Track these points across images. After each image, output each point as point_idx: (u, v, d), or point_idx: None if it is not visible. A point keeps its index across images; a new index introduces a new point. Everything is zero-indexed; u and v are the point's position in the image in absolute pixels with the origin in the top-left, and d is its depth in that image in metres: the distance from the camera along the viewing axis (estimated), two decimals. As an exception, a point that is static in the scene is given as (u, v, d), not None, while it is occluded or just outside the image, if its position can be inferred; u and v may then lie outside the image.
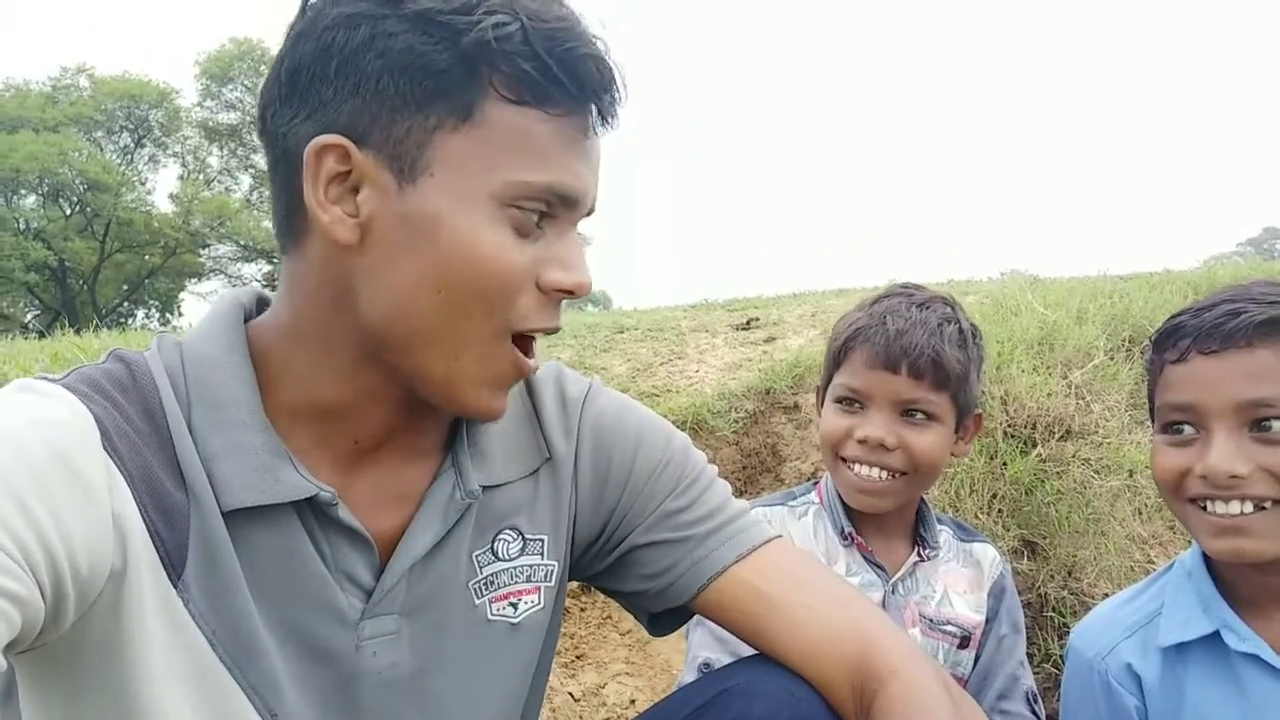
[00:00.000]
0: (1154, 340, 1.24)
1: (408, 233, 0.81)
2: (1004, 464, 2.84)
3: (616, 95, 0.84)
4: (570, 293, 0.87)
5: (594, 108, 0.84)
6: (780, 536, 1.08)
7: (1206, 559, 1.23)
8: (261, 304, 0.97)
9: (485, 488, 0.97)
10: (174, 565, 0.80)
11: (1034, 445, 2.90)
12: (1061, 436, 2.93)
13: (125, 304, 30.65)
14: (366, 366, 0.87)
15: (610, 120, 0.86)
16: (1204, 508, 1.14)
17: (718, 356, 4.23)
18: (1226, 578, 1.21)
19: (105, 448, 0.76)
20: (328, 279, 0.84)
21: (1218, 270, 4.92)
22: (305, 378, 0.88)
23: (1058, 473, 2.82)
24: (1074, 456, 2.86)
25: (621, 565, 1.08)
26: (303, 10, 0.83)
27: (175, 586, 0.80)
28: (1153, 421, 1.25)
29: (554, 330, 0.89)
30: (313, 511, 0.87)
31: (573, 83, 0.80)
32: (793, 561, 1.06)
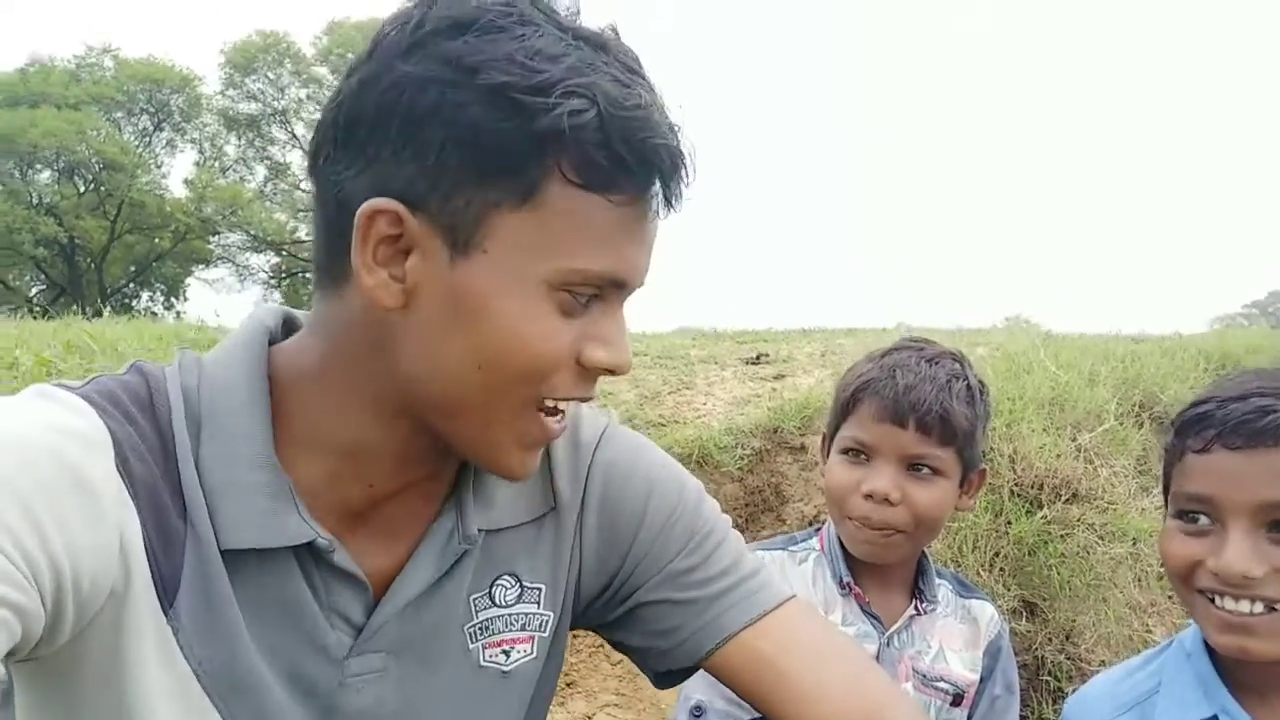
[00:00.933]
0: (1176, 425, 1.22)
1: (454, 306, 0.79)
2: (1009, 523, 2.84)
3: (684, 181, 0.82)
4: (610, 371, 0.85)
5: (661, 194, 0.82)
6: (794, 597, 1.07)
7: (1206, 642, 1.23)
8: (288, 325, 0.95)
9: (487, 531, 0.95)
10: (167, 593, 0.79)
11: (1040, 506, 2.90)
12: (1068, 499, 2.93)
13: (131, 285, 30.67)
14: (397, 416, 0.86)
15: (675, 205, 0.83)
16: (1212, 600, 1.13)
17: (726, 390, 4.23)
18: (1227, 663, 1.19)
19: (119, 466, 0.75)
20: (365, 331, 0.83)
21: (1227, 337, 4.93)
22: (326, 417, 0.87)
23: (1062, 535, 2.82)
24: (1079, 520, 2.86)
25: (628, 620, 1.06)
26: (369, 56, 0.80)
27: (166, 615, 0.79)
28: (1165, 501, 1.24)
29: (588, 399, 0.88)
30: (310, 552, 0.86)
31: (642, 172, 0.78)
32: (805, 627, 1.05)
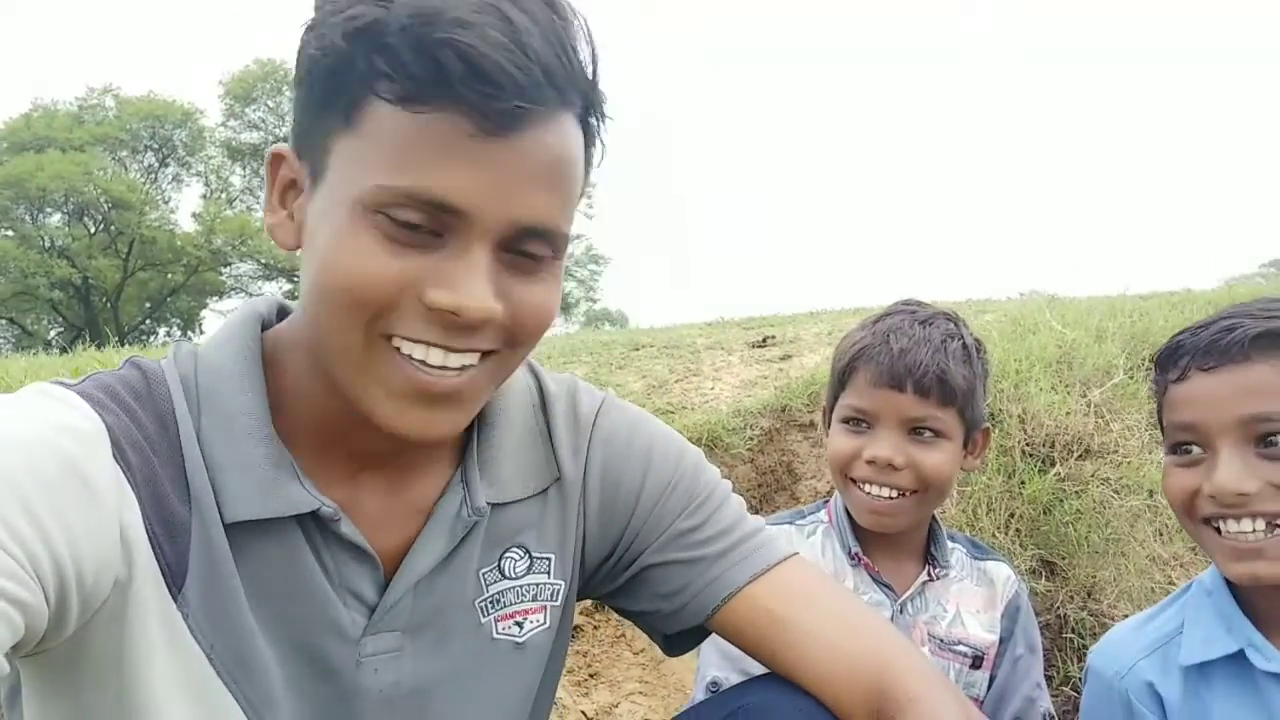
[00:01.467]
0: (1156, 361, 1.24)
1: (307, 237, 0.81)
2: (1022, 483, 2.81)
3: (500, 93, 0.71)
4: (452, 314, 0.76)
5: (474, 108, 0.72)
6: (796, 554, 1.07)
7: (1227, 578, 1.21)
8: (282, 314, 0.97)
9: (493, 505, 0.96)
10: (174, 579, 0.80)
11: (1052, 464, 2.88)
12: (1080, 455, 2.90)
13: (147, 321, 30.96)
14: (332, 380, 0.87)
15: (504, 122, 0.73)
16: (1218, 529, 1.13)
17: (733, 374, 4.22)
18: (1248, 597, 1.19)
19: (116, 457, 0.76)
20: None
21: (1238, 290, 4.88)
22: (309, 390, 0.88)
23: (1076, 492, 2.80)
24: (1093, 476, 2.83)
25: (634, 585, 1.06)
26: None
27: (175, 600, 0.80)
28: (1164, 442, 1.24)
29: (433, 344, 0.79)
30: (316, 526, 0.87)
31: (433, 79, 0.71)
32: (809, 581, 1.05)
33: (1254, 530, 1.09)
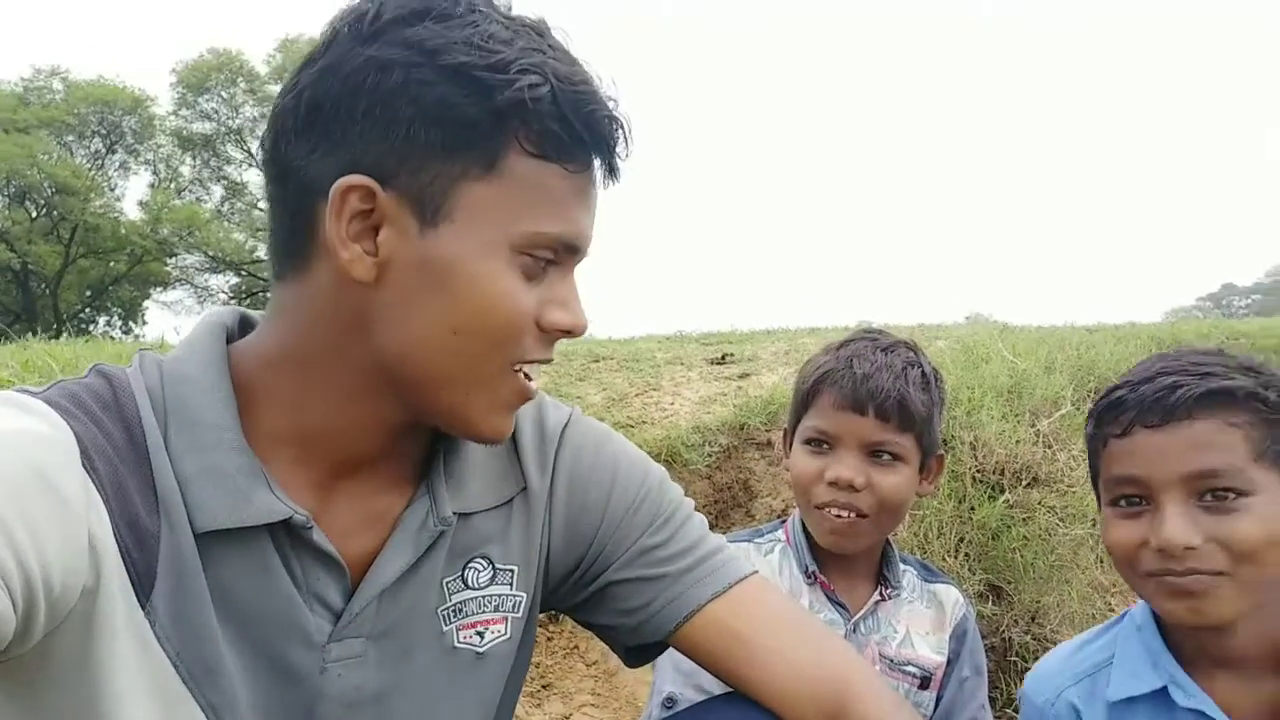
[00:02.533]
0: (1094, 414, 1.26)
1: (426, 276, 0.83)
2: (972, 509, 2.89)
3: (626, 152, 0.90)
4: (568, 332, 0.90)
5: (606, 164, 0.90)
6: (756, 572, 1.09)
7: (1156, 615, 1.26)
8: (244, 324, 0.97)
9: (459, 515, 0.97)
10: (143, 586, 0.80)
11: (1002, 491, 2.96)
12: (1029, 483, 2.99)
13: (87, 310, 30.14)
14: (371, 395, 0.89)
15: (616, 175, 0.91)
16: (1159, 579, 1.16)
17: (693, 390, 4.26)
18: (1173, 636, 1.23)
19: (84, 465, 0.76)
20: (335, 310, 0.86)
21: (1180, 327, 5.05)
22: (291, 402, 0.89)
23: (1024, 519, 2.88)
24: (1040, 503, 2.92)
25: (597, 600, 1.08)
26: (327, 45, 0.84)
27: (143, 609, 0.80)
28: (1097, 492, 1.28)
29: (548, 360, 0.93)
30: (287, 534, 0.88)
31: (592, 141, 0.86)
32: (769, 600, 1.07)
33: (1197, 582, 1.12)
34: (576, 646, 3.16)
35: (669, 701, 1.52)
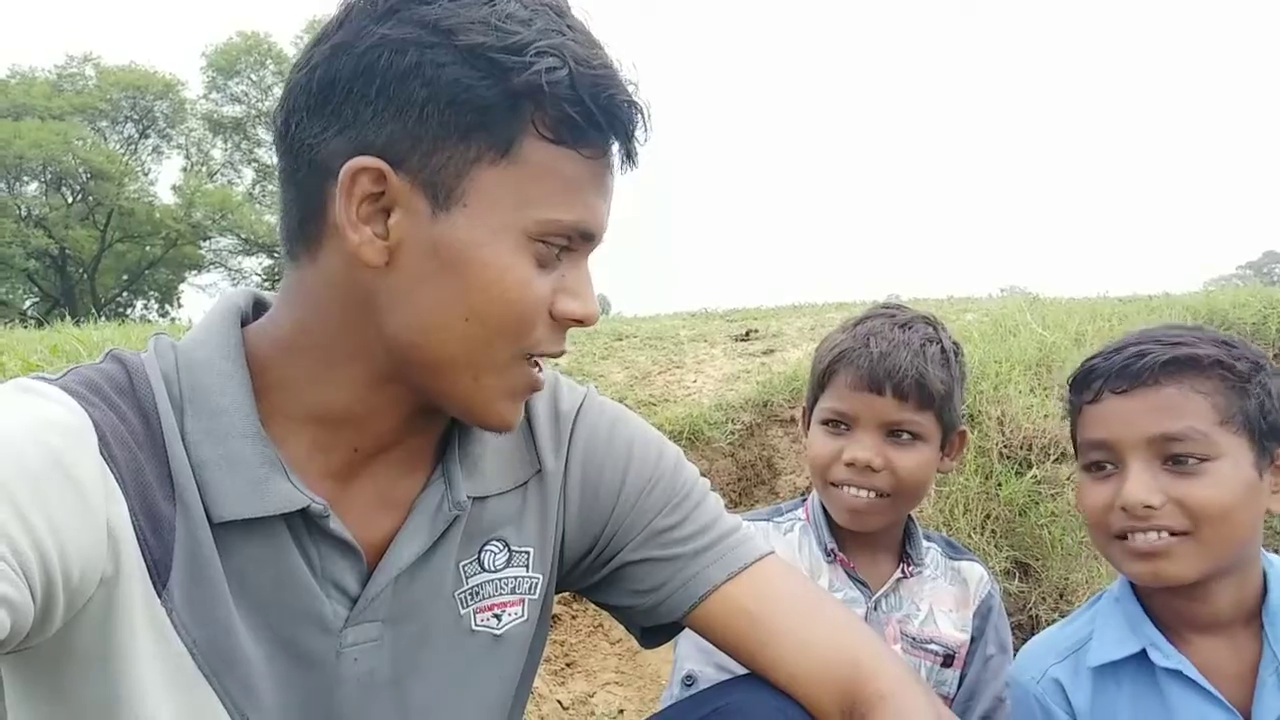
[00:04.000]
0: (1070, 383, 1.31)
1: (438, 260, 0.82)
2: (999, 485, 2.85)
3: (644, 138, 0.87)
4: (580, 321, 0.88)
5: (624, 150, 0.87)
6: (772, 553, 1.08)
7: (1133, 586, 1.28)
8: (258, 306, 0.96)
9: (474, 499, 0.97)
10: (159, 574, 0.80)
11: (1029, 467, 2.91)
12: (1057, 458, 2.94)
13: (124, 294, 30.63)
14: (382, 379, 0.88)
15: (635, 160, 0.88)
16: (1125, 539, 1.20)
17: (716, 367, 4.23)
18: (1150, 605, 1.26)
19: (102, 453, 0.76)
20: (346, 293, 0.84)
21: (1216, 295, 4.94)
22: (308, 386, 0.88)
23: (1052, 494, 2.84)
24: (1068, 479, 2.87)
25: (612, 580, 1.08)
26: (340, 23, 0.82)
27: (160, 596, 0.80)
28: (1077, 460, 1.31)
29: (560, 354, 0.92)
30: (303, 521, 0.87)
31: (610, 127, 0.83)
32: (785, 580, 1.07)
33: (1157, 539, 1.16)
34: (600, 625, 3.17)
35: (689, 679, 1.52)
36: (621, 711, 2.81)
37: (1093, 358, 1.27)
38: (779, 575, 1.07)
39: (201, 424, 0.84)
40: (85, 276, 28.54)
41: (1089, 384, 1.25)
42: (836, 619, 1.05)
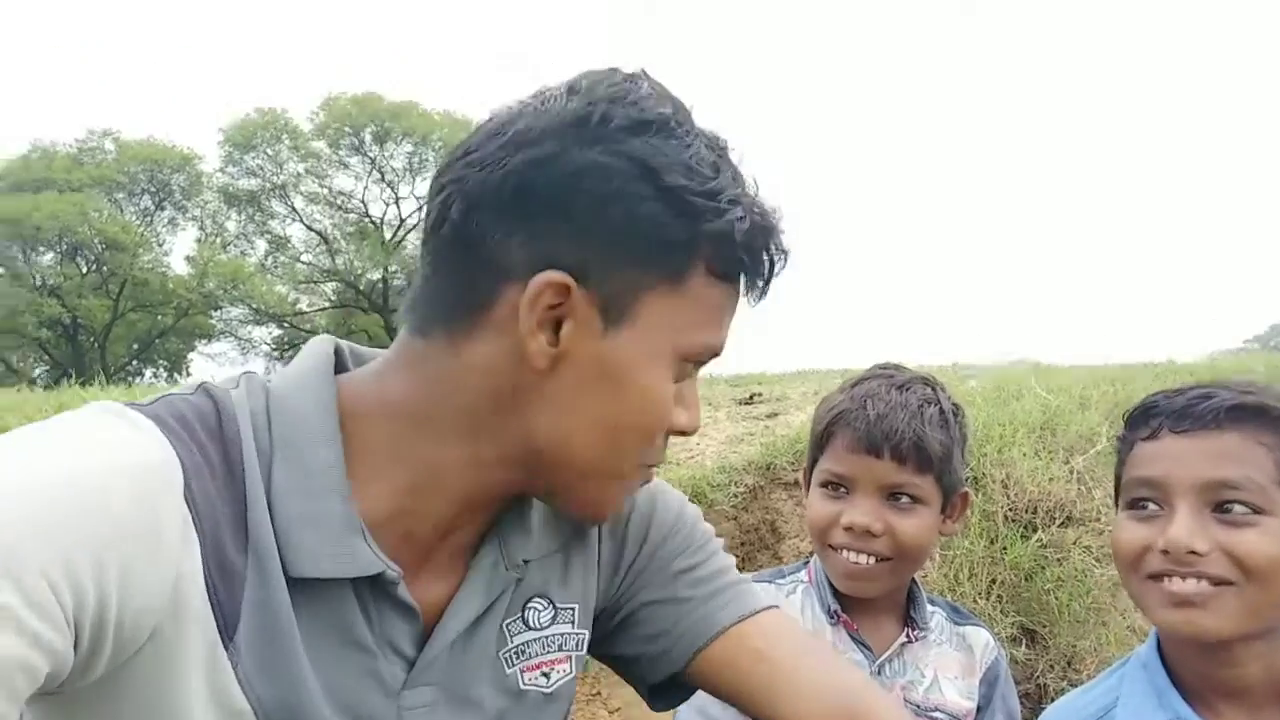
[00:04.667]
0: (1127, 420, 1.27)
1: (600, 373, 0.85)
2: (1004, 549, 2.82)
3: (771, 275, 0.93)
4: (684, 432, 0.94)
5: (762, 288, 0.93)
6: (778, 607, 1.09)
7: (1160, 653, 1.25)
8: (339, 354, 0.96)
9: (525, 560, 0.98)
10: (227, 627, 0.78)
11: (1034, 530, 2.88)
12: (1062, 523, 2.91)
13: (134, 363, 30.84)
14: (503, 464, 0.89)
15: (764, 297, 0.95)
16: (1160, 583, 1.15)
17: (720, 430, 4.23)
18: (1179, 671, 1.22)
19: (185, 497, 0.75)
20: (496, 384, 0.86)
21: (1221, 362, 4.93)
22: (406, 459, 0.89)
23: (1058, 559, 2.80)
24: (1075, 543, 2.84)
25: (624, 627, 1.08)
26: (541, 134, 0.85)
27: (226, 649, 0.78)
28: (1117, 501, 1.28)
29: (661, 463, 0.97)
30: (369, 584, 0.87)
31: (766, 274, 0.90)
32: (791, 628, 1.07)
33: (1197, 588, 1.11)
34: (599, 693, 3.11)
35: None
36: (621, 781, 2.74)
37: (1155, 395, 1.24)
38: (786, 623, 1.08)
39: (292, 478, 0.83)
40: (95, 345, 28.79)
41: (1147, 420, 1.21)
42: (840, 666, 1.05)
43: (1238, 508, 1.10)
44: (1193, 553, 1.10)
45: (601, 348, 0.85)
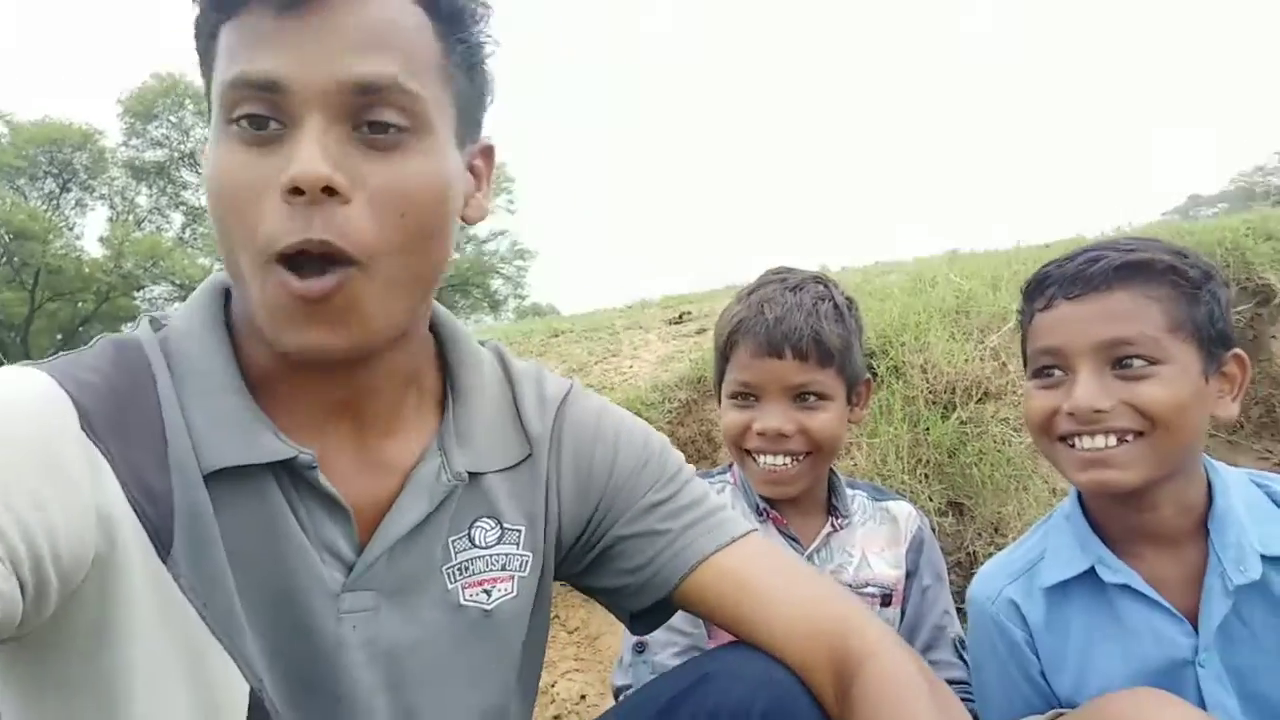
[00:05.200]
0: (1024, 291, 1.32)
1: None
2: (926, 429, 2.91)
3: None
4: (297, 191, 0.77)
5: None
6: (757, 530, 1.11)
7: (1082, 504, 1.31)
8: None
9: (470, 474, 0.98)
10: (161, 542, 0.79)
11: (954, 409, 2.98)
12: (980, 399, 3.00)
13: (60, 354, 29.85)
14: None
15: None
16: (1072, 445, 1.21)
17: (651, 351, 4.26)
18: (1099, 519, 1.28)
19: (85, 430, 0.77)
20: None
21: (1129, 233, 5.07)
22: (249, 345, 0.91)
23: (978, 434, 2.90)
24: (993, 417, 2.94)
25: (603, 560, 1.09)
26: None
27: (165, 563, 0.80)
28: (1025, 370, 1.32)
29: (308, 243, 0.78)
30: (291, 479, 0.88)
31: None
32: (771, 552, 1.09)
33: (1105, 445, 1.17)
34: (557, 615, 3.18)
35: (639, 646, 1.54)
36: (583, 697, 2.83)
37: (1047, 265, 1.27)
38: (766, 547, 1.09)
39: (190, 385, 0.86)
40: (17, 340, 27.78)
41: (1042, 291, 1.25)
42: (822, 584, 1.06)
43: (1135, 362, 1.15)
44: (1098, 411, 1.15)
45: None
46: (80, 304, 29.09)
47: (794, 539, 1.62)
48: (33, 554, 0.69)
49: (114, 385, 0.83)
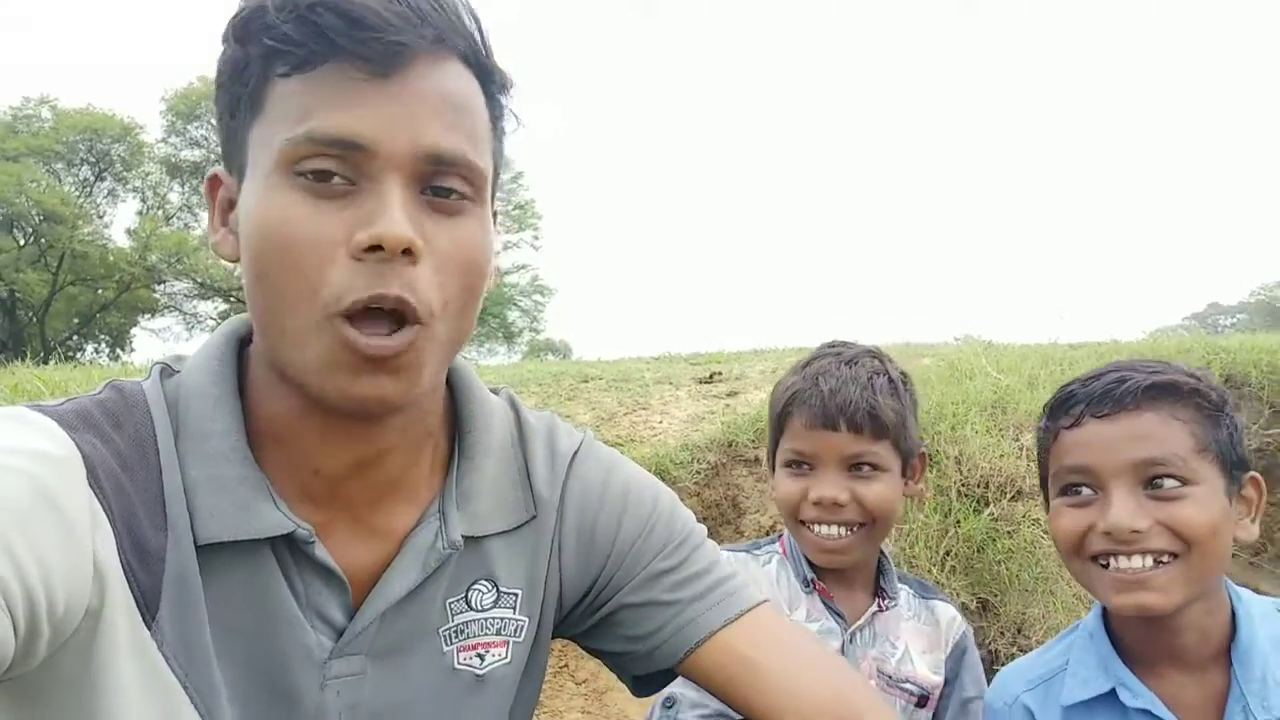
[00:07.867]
0: (1048, 409, 1.30)
1: (242, 232, 0.82)
2: (957, 522, 2.92)
3: (380, 35, 0.76)
4: (375, 248, 0.76)
5: (356, 52, 0.77)
6: (768, 601, 1.08)
7: (1105, 621, 1.30)
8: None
9: (467, 538, 0.96)
10: (148, 607, 0.78)
11: (986, 504, 2.98)
12: (1013, 497, 3.01)
13: (75, 338, 29.99)
14: (281, 380, 0.86)
15: (390, 61, 0.78)
16: (1105, 565, 1.20)
17: (681, 408, 4.28)
18: (1122, 638, 1.27)
19: (91, 485, 0.76)
20: None
21: (1162, 341, 5.10)
22: (265, 401, 0.88)
23: (1008, 532, 2.91)
24: (1024, 517, 2.95)
25: (607, 625, 1.06)
26: None
27: (149, 629, 0.78)
28: (1043, 488, 1.31)
29: (383, 299, 0.77)
30: (288, 549, 0.86)
31: (315, 39, 0.76)
32: (781, 628, 1.06)
33: (1144, 566, 1.16)
34: (566, 665, 3.17)
35: (668, 701, 1.54)
36: (588, 751, 2.81)
37: (1071, 383, 1.26)
38: (775, 622, 1.06)
39: (192, 447, 0.84)
40: (35, 320, 27.94)
41: (1068, 409, 1.24)
42: (831, 665, 1.04)
43: (1168, 482, 1.15)
44: (1135, 531, 1.14)
45: (240, 207, 0.82)
46: (101, 291, 29.21)
47: (839, 614, 1.62)
48: (29, 600, 0.68)
49: (118, 442, 0.81)
